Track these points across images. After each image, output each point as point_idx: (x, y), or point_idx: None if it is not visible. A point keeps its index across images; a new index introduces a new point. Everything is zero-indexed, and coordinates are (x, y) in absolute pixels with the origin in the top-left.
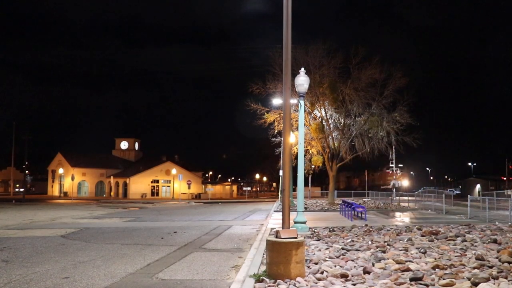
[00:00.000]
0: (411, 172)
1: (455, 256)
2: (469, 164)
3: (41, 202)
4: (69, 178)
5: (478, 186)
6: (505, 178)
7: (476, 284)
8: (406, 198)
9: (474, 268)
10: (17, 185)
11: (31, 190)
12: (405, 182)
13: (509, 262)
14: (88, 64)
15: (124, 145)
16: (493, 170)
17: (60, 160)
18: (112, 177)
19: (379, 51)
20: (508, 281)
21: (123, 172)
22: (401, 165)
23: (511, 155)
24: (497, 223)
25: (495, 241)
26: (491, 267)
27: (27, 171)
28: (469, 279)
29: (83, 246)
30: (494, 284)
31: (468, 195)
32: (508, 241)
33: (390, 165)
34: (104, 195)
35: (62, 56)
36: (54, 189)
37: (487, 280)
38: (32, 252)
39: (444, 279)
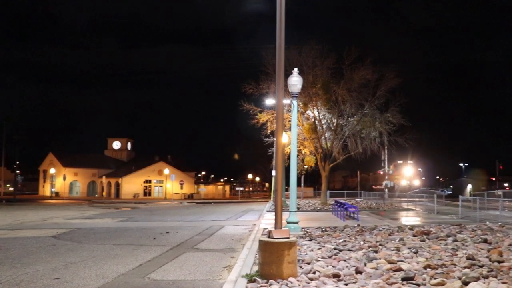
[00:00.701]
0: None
1: (446, 256)
2: (461, 164)
3: (32, 202)
4: (60, 178)
5: (469, 186)
6: (495, 179)
7: (467, 283)
8: (398, 198)
9: (465, 267)
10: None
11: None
12: (416, 182)
13: (499, 262)
14: (81, 64)
15: (116, 145)
16: (484, 171)
17: (52, 160)
18: (104, 177)
19: (374, 51)
20: (498, 280)
21: (115, 172)
22: (411, 162)
23: (502, 156)
24: (487, 223)
25: (485, 241)
26: (481, 266)
27: (18, 171)
28: (459, 278)
29: (75, 246)
30: (484, 283)
31: (459, 195)
32: (498, 241)
33: (389, 165)
34: (96, 195)
35: (54, 55)
36: (45, 189)
37: (477, 279)
38: (23, 253)
39: (435, 278)
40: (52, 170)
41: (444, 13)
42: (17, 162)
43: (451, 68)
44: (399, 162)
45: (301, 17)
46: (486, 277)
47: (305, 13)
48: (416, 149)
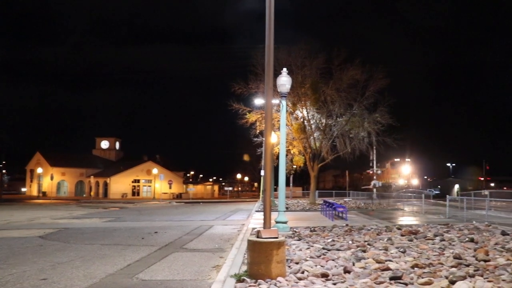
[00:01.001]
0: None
1: (434, 255)
2: (448, 164)
3: (18, 202)
4: (48, 178)
5: (456, 186)
6: (482, 179)
7: (454, 282)
8: (386, 199)
9: (452, 266)
10: None
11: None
12: (414, 181)
13: (485, 261)
14: (69, 62)
15: (104, 144)
16: (472, 171)
17: (39, 160)
18: (92, 176)
19: (369, 51)
20: (484, 279)
21: (104, 171)
22: (409, 160)
23: (489, 156)
24: (474, 222)
25: (472, 240)
26: (468, 265)
27: (4, 171)
28: (446, 277)
29: (62, 246)
30: (470, 282)
31: (447, 195)
32: (484, 240)
33: (381, 165)
34: (84, 195)
35: (42, 53)
36: (32, 189)
37: (464, 278)
38: (9, 253)
39: (422, 277)
40: (39, 170)
41: (435, 14)
42: (3, 162)
43: (444, 69)
44: (396, 160)
45: (299, 17)
46: (472, 276)
47: (304, 13)
48: (414, 147)
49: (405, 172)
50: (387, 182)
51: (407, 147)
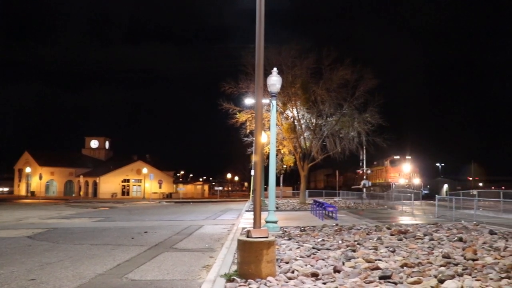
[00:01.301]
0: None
1: (423, 255)
2: (437, 164)
3: (6, 202)
4: (36, 177)
5: (445, 186)
6: (471, 178)
7: (442, 281)
8: (376, 199)
9: (441, 266)
10: None
11: None
12: (416, 180)
13: (473, 260)
14: (58, 61)
15: (94, 143)
16: (461, 171)
17: (27, 159)
18: (81, 176)
19: (362, 51)
20: (472, 277)
21: (93, 171)
22: (409, 157)
23: (477, 157)
24: (463, 222)
25: (460, 240)
26: (456, 264)
27: None
28: (435, 276)
29: (51, 246)
30: (459, 281)
31: (436, 195)
32: (472, 239)
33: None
34: (73, 195)
35: (31, 52)
36: (20, 189)
37: (452, 277)
38: None
39: (412, 277)
40: (27, 169)
41: (435, 14)
42: None
43: (442, 69)
44: (395, 157)
45: (295, 17)
46: (461, 275)
47: (301, 13)
48: (410, 146)
49: (406, 171)
50: (385, 181)
51: (407, 145)
